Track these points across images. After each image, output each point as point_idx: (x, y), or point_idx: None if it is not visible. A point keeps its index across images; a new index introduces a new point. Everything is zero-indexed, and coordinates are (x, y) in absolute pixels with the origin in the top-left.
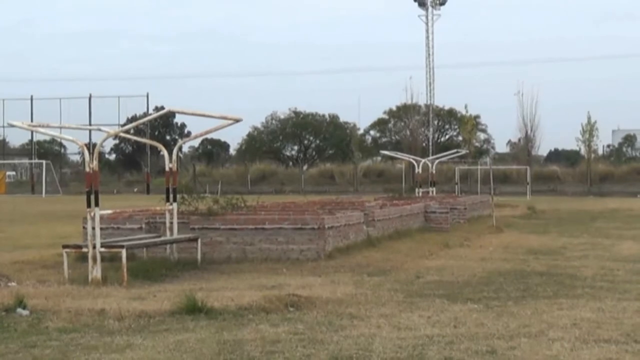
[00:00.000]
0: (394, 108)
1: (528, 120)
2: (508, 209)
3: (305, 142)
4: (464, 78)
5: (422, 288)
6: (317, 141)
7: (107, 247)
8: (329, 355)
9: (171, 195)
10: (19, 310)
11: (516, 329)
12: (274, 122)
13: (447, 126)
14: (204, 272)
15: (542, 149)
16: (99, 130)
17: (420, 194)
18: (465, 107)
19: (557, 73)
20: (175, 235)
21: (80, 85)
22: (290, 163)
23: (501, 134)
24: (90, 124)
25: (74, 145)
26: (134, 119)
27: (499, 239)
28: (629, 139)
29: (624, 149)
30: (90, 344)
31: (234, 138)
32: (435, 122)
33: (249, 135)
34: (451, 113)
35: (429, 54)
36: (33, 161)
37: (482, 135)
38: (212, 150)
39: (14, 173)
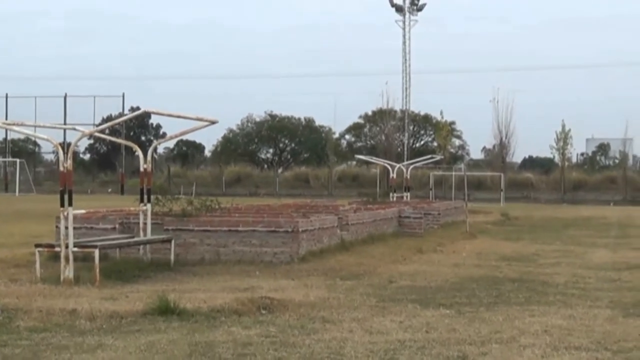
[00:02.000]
0: (370, 113)
1: (503, 127)
2: (482, 215)
3: (281, 145)
4: (440, 84)
5: (395, 293)
6: (293, 144)
7: (80, 247)
8: (301, 359)
9: (145, 196)
10: None
11: (488, 335)
12: (249, 124)
13: (422, 132)
14: (177, 273)
15: (517, 156)
16: (74, 129)
17: (395, 198)
18: (441, 113)
19: (532, 81)
20: (149, 236)
21: (56, 84)
22: (265, 166)
23: (476, 141)
24: (65, 123)
25: (48, 144)
26: (109, 119)
27: (472, 245)
28: (603, 148)
29: (598, 158)
30: (61, 344)
31: (209, 140)
32: (411, 128)
33: (224, 137)
34: (427, 119)
35: (405, 59)
36: (7, 159)
37: (457, 142)
38: (187, 151)
39: None
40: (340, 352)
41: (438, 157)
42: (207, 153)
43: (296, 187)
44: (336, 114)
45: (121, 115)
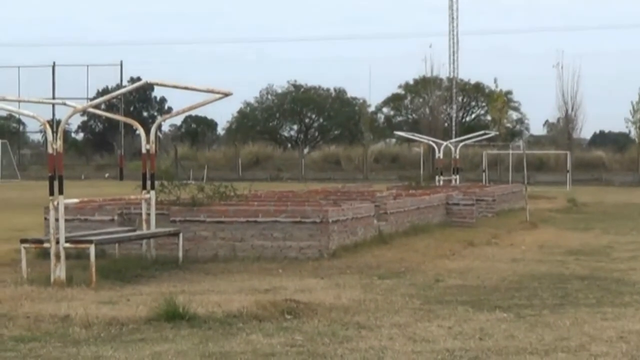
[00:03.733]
0: (411, 82)
1: (569, 98)
2: (544, 201)
3: (307, 120)
4: (494, 47)
5: (443, 293)
6: (321, 120)
7: (72, 242)
8: None
9: (148, 182)
10: None
11: (552, 343)
12: (269, 97)
13: (473, 103)
14: (186, 272)
15: (585, 131)
16: (64, 104)
17: (441, 182)
18: (495, 81)
19: (603, 42)
20: (153, 229)
21: (43, 51)
22: (289, 145)
23: (537, 113)
24: (54, 98)
25: (34, 123)
26: (105, 91)
27: (533, 236)
28: None
29: None
30: (52, 355)
31: (222, 115)
32: (460, 99)
33: (240, 112)
34: (478, 88)
35: (452, 18)
36: None
37: (514, 115)
38: (197, 129)
39: None
40: None
41: (492, 134)
42: (221, 131)
43: (325, 170)
44: (371, 84)
45: (119, 87)
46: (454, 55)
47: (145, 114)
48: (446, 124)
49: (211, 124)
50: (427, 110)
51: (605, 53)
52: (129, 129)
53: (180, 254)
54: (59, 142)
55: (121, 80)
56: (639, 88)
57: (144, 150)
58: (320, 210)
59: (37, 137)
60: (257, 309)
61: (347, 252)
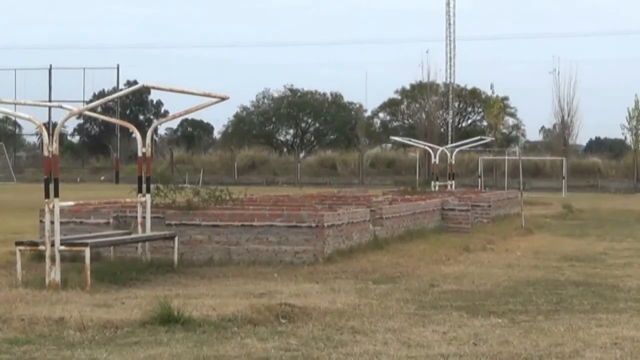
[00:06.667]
0: (407, 87)
1: (565, 104)
2: (540, 208)
3: (303, 125)
4: (491, 53)
5: (437, 299)
6: (317, 124)
7: (67, 245)
8: None
9: (144, 186)
10: None
11: (547, 349)
12: (266, 101)
13: (469, 109)
14: (181, 275)
15: (581, 138)
16: (61, 107)
17: (437, 188)
18: (491, 87)
19: (599, 49)
20: (148, 233)
21: (39, 54)
22: (285, 149)
23: (533, 119)
24: (50, 100)
25: (30, 125)
26: (101, 95)
27: (528, 242)
28: None
29: None
30: (46, 358)
31: (218, 119)
32: (456, 104)
33: (236, 116)
34: (475, 94)
35: (449, 24)
36: None
37: (510, 120)
38: (193, 133)
39: None
40: None
41: (488, 139)
42: (217, 135)
43: (321, 175)
44: (368, 89)
45: (116, 90)
46: (450, 60)
47: (141, 117)
48: (442, 130)
49: (207, 128)
50: (424, 116)
51: (602, 60)
52: (125, 132)
53: (176, 258)
54: (55, 145)
55: (118, 84)
56: (635, 95)
57: (139, 154)
58: (315, 215)
59: (33, 139)
60: (252, 313)
61: (342, 256)
